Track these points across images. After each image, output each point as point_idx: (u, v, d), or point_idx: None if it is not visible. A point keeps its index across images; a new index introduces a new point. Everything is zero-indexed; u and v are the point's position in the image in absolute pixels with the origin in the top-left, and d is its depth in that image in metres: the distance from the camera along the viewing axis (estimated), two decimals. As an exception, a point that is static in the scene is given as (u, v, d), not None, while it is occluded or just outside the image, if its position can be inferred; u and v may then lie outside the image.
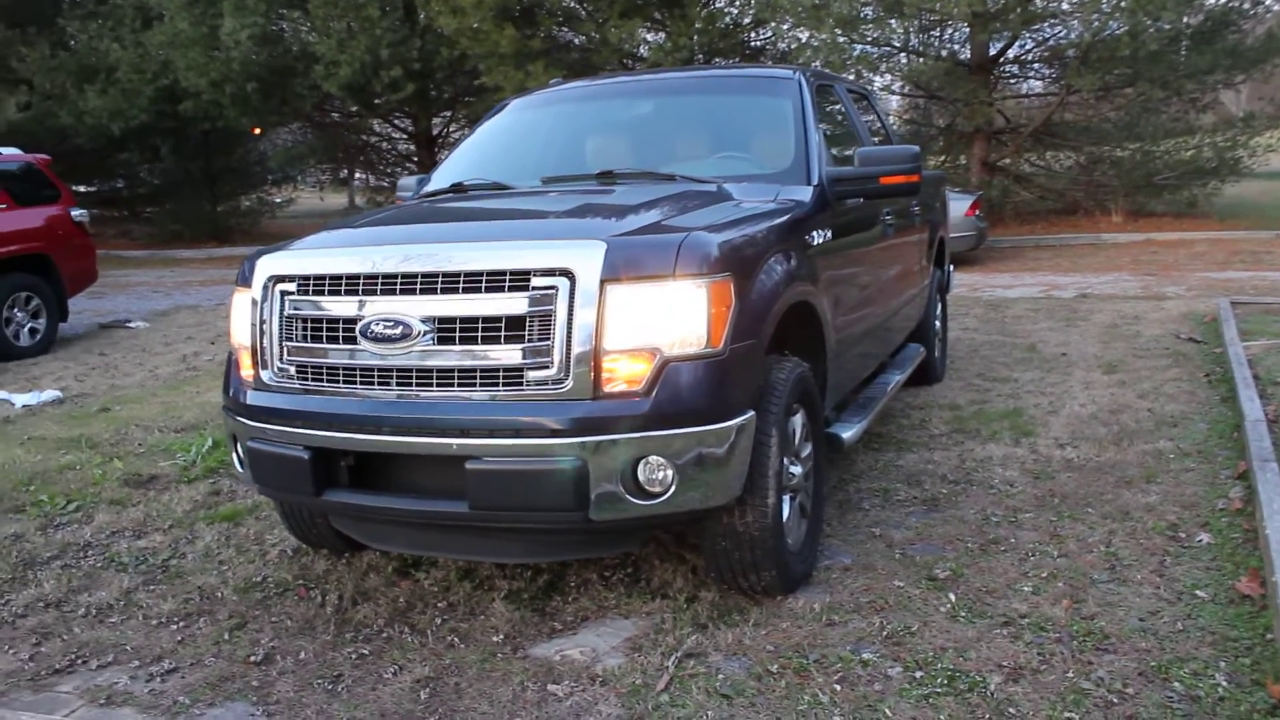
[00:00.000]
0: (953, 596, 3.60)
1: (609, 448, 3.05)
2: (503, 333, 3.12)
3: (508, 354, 3.12)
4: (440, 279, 3.19)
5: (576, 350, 3.06)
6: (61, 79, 21.83)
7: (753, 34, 20.55)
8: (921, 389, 6.79)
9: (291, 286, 3.48)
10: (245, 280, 3.65)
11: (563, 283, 3.08)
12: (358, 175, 33.81)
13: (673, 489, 3.11)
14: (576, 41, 20.71)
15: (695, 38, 18.53)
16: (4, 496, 5.22)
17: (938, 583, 3.73)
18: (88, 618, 3.80)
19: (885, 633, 3.35)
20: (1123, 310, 9.92)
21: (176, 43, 19.88)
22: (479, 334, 3.14)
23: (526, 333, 3.11)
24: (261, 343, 3.54)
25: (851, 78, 18.61)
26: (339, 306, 3.35)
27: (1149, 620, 3.36)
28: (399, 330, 3.20)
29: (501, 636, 3.47)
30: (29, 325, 9.67)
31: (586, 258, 3.08)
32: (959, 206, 14.50)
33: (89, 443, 6.21)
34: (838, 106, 5.27)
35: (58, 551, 4.46)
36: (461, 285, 3.17)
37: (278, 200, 30.05)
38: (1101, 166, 19.88)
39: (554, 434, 3.06)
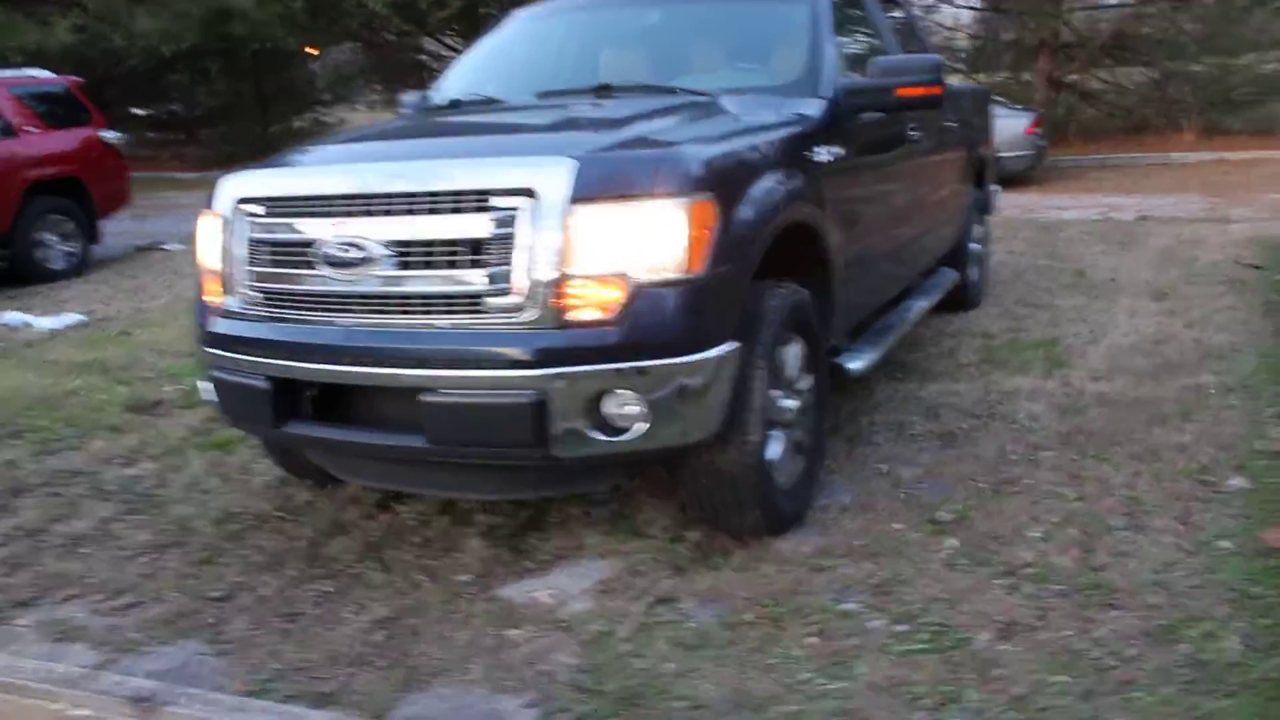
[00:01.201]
0: (954, 542, 3.36)
1: (571, 381, 2.84)
2: (463, 257, 2.91)
3: (467, 279, 2.91)
4: (399, 200, 2.97)
5: (539, 276, 2.83)
6: (114, 1, 21.71)
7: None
8: (956, 315, 6.45)
9: (258, 208, 3.28)
10: (213, 202, 3.46)
11: (525, 202, 2.84)
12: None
13: (643, 425, 2.90)
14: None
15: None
16: (6, 421, 5.17)
17: (940, 526, 3.49)
18: (62, 548, 3.71)
19: (874, 581, 3.12)
20: (1183, 234, 9.40)
21: (222, -39, 19.65)
22: (438, 258, 2.93)
23: (487, 257, 2.88)
24: (227, 268, 3.37)
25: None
26: (300, 229, 3.15)
27: (1163, 573, 3.09)
28: (357, 254, 3.00)
29: (471, 576, 3.31)
30: (61, 248, 9.66)
31: (551, 176, 2.84)
32: (1017, 124, 13.93)
33: (101, 367, 6.16)
34: (864, 14, 4.89)
35: (47, 478, 4.39)
36: (422, 206, 2.95)
37: (330, 121, 29.89)
38: (1175, 82, 18.86)
39: (513, 365, 2.86)
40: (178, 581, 3.40)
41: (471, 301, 2.91)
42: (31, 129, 9.33)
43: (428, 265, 2.94)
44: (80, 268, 9.78)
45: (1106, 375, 5.09)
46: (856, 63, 4.43)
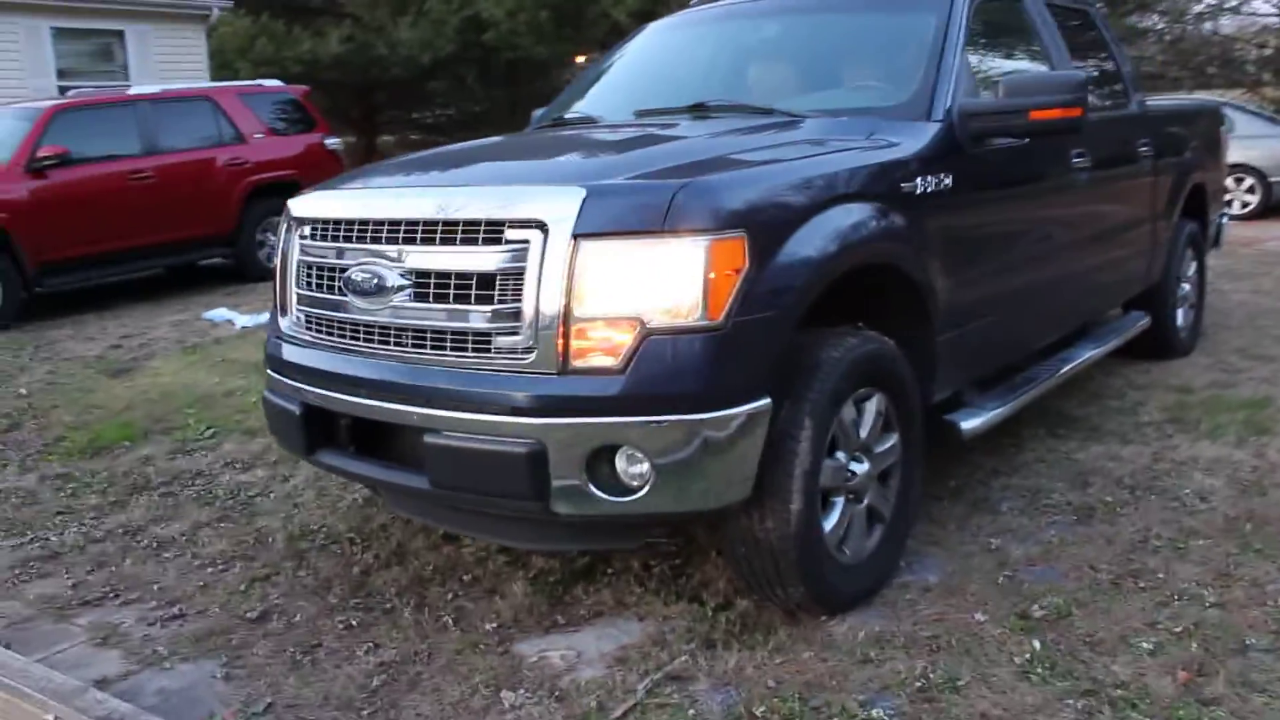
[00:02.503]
0: (1037, 644, 2.86)
1: (572, 432, 2.61)
2: (473, 292, 2.74)
3: (476, 316, 2.73)
4: (416, 228, 2.84)
5: (545, 316, 2.62)
6: (381, 12, 23.22)
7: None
8: (1156, 364, 5.69)
9: (306, 229, 3.26)
10: (283, 220, 3.47)
11: (536, 236, 2.64)
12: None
13: (650, 486, 2.62)
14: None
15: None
16: (163, 417, 5.48)
17: (1030, 622, 2.99)
18: (146, 550, 3.84)
19: (921, 683, 2.70)
20: None
21: (477, -27, 20.59)
22: (451, 292, 2.77)
23: (497, 293, 2.70)
24: (285, 288, 3.37)
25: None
26: (333, 253, 3.09)
27: (1294, 716, 2.50)
28: (374, 282, 2.90)
29: (496, 624, 3.13)
30: (281, 248, 10.29)
31: (559, 207, 2.62)
32: (1291, 145, 12.37)
33: (269, 367, 6.43)
34: (1025, 25, 4.35)
35: (170, 478, 4.59)
36: (437, 235, 2.80)
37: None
38: None
39: (512, 411, 2.65)
40: (226, 597, 3.42)
41: (481, 339, 2.73)
42: (259, 135, 9.99)
43: (441, 298, 2.78)
44: (299, 267, 10.37)
45: (1314, 450, 4.30)
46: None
